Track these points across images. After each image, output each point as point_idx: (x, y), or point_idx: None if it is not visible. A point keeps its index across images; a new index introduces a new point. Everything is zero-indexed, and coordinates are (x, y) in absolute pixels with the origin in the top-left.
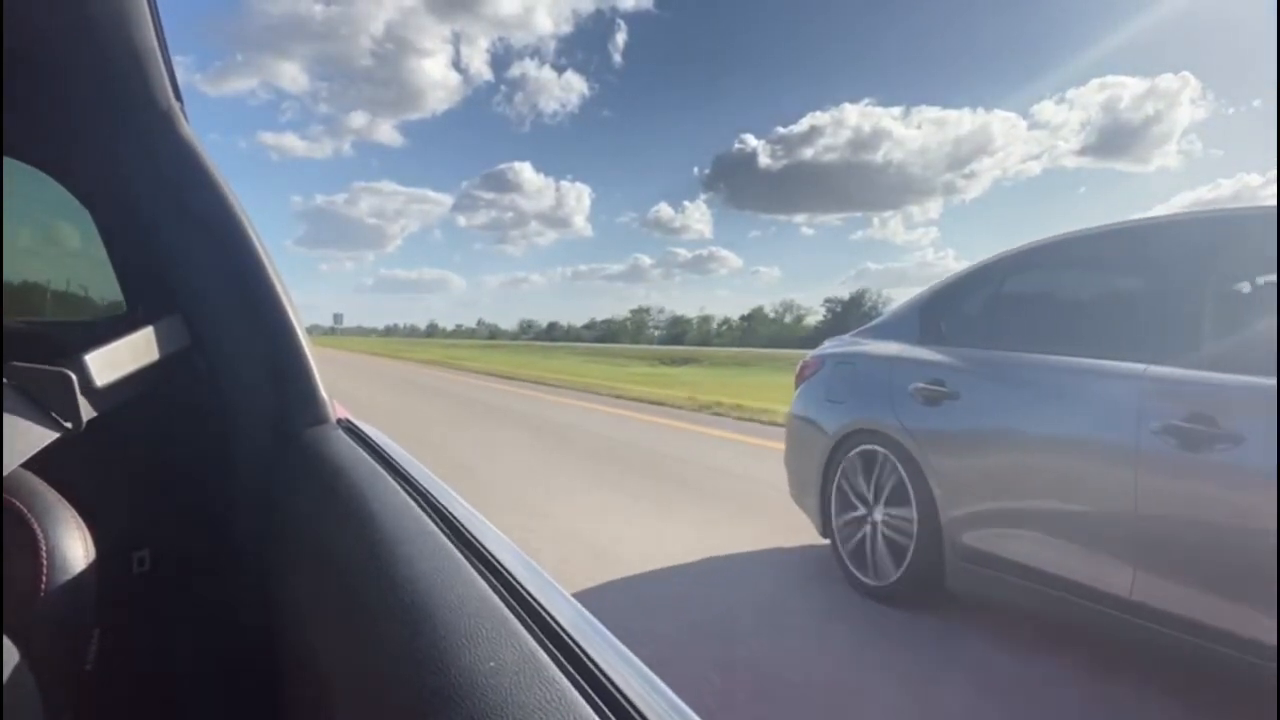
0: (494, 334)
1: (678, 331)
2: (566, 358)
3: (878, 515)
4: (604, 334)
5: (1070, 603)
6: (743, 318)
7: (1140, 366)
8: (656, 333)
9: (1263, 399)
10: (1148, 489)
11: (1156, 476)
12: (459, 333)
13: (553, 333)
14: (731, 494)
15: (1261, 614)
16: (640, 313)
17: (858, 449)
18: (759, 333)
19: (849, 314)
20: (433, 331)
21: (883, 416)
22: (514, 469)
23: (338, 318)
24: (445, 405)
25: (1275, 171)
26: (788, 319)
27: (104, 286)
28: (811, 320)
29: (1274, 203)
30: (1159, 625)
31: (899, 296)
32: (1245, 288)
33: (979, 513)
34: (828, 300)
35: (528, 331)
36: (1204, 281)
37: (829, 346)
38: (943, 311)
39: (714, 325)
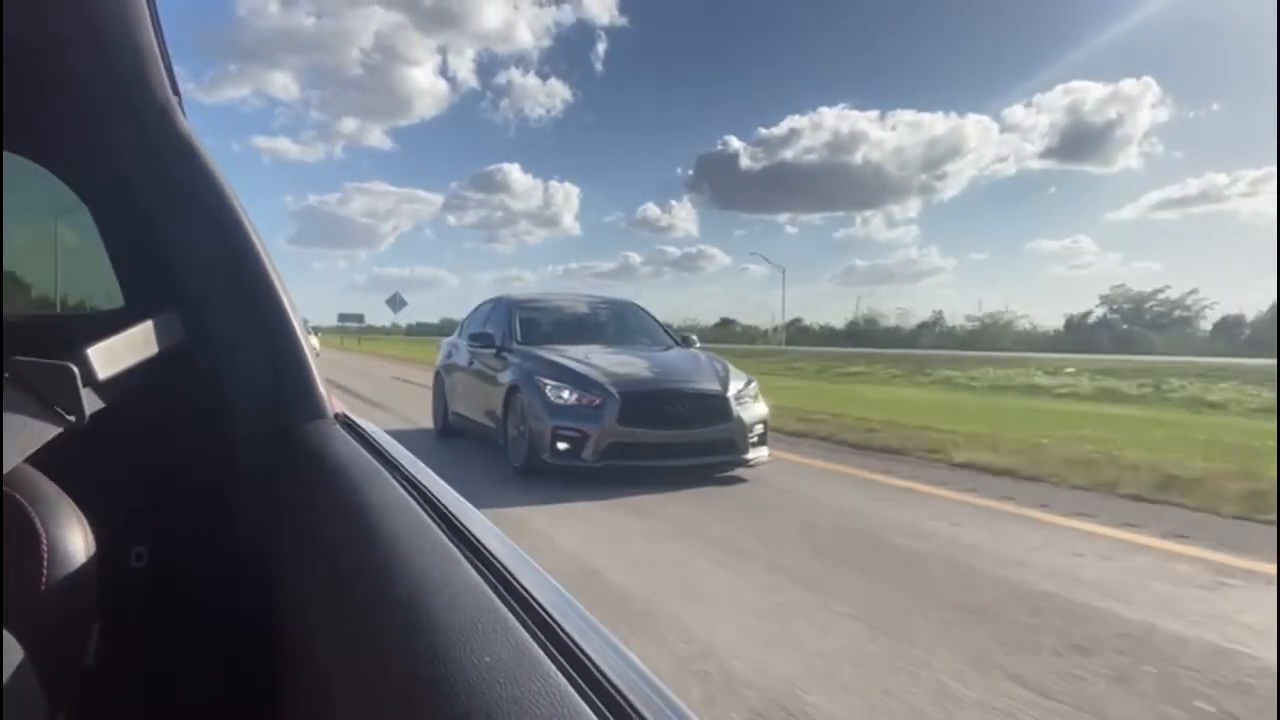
0: (392, 329)
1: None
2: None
3: (440, 403)
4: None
5: (479, 427)
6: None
7: (458, 340)
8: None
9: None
10: (470, 381)
11: (468, 376)
12: (387, 329)
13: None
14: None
15: (487, 418)
16: (450, 322)
17: (437, 377)
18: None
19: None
20: (367, 330)
21: (443, 362)
22: None
23: (359, 318)
24: None
25: (1251, 172)
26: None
27: (102, 281)
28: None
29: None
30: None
31: (885, 293)
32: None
33: (455, 395)
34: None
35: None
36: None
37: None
38: (465, 325)
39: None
